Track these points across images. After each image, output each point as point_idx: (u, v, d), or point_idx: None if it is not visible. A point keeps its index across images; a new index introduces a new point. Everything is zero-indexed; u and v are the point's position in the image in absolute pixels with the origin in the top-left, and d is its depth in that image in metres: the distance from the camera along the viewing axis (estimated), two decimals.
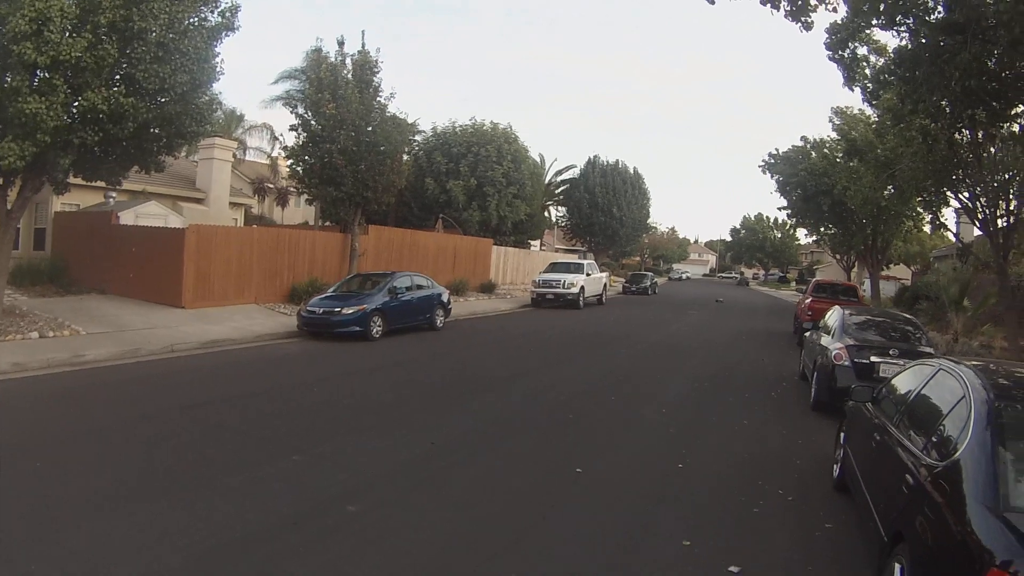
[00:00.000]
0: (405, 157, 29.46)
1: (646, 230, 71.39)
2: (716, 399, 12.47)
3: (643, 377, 14.47)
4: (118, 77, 14.36)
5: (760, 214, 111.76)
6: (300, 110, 24.07)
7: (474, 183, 35.54)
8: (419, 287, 20.46)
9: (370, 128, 23.73)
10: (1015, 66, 13.28)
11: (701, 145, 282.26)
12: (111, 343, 14.18)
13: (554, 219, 64.36)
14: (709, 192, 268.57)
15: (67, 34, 12.94)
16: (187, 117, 15.61)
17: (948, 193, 20.11)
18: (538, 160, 50.69)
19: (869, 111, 26.64)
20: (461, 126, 38.28)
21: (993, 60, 13.29)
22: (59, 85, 12.86)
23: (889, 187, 24.15)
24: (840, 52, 15.54)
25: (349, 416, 9.96)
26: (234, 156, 34.98)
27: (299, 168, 24.69)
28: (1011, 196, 17.66)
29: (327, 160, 23.18)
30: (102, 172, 16.29)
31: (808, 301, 24.27)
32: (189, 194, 28.77)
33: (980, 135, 17.12)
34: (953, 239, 25.27)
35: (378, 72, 24.14)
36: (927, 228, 37.92)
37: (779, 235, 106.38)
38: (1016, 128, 16.31)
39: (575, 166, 59.30)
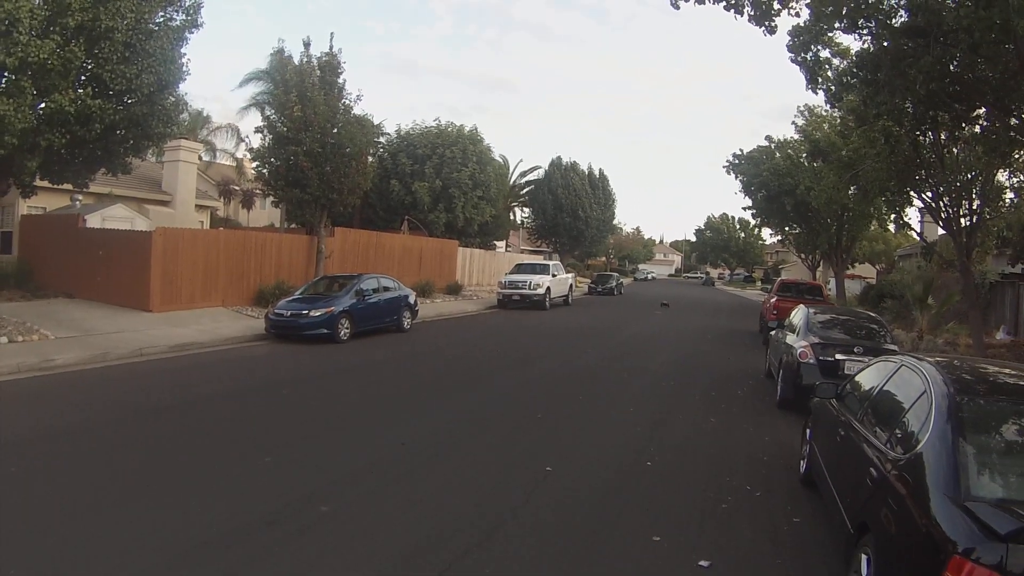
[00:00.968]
0: (370, 159, 29.34)
1: (611, 231, 71.80)
2: (683, 398, 12.59)
3: (610, 377, 14.55)
4: (85, 79, 14.23)
5: (725, 214, 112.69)
6: (268, 112, 23.96)
7: (439, 185, 35.42)
8: (386, 289, 20.40)
9: (335, 130, 23.67)
10: (976, 69, 13.53)
11: (667, 145, 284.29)
12: (80, 347, 13.99)
13: (519, 220, 64.42)
14: (674, 193, 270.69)
15: (35, 36, 12.78)
16: (154, 118, 15.50)
17: (911, 193, 20.40)
18: (502, 161, 50.69)
19: (833, 111, 26.92)
20: (426, 127, 38.17)
21: (955, 64, 13.52)
22: (26, 87, 12.69)
23: (853, 187, 24.44)
24: (803, 55, 15.68)
25: (319, 418, 9.93)
26: (200, 158, 34.65)
27: (265, 170, 24.53)
28: (973, 196, 17.98)
29: (292, 162, 23.06)
30: (69, 174, 16.13)
31: (773, 300, 24.55)
32: (155, 196, 28.40)
33: (943, 136, 17.40)
34: (917, 238, 25.64)
35: (342, 73, 24.10)
36: (891, 227, 38.44)
37: (744, 235, 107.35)
38: (978, 129, 16.59)
39: (540, 167, 59.58)
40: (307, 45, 23.75)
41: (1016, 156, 16.88)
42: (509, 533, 5.93)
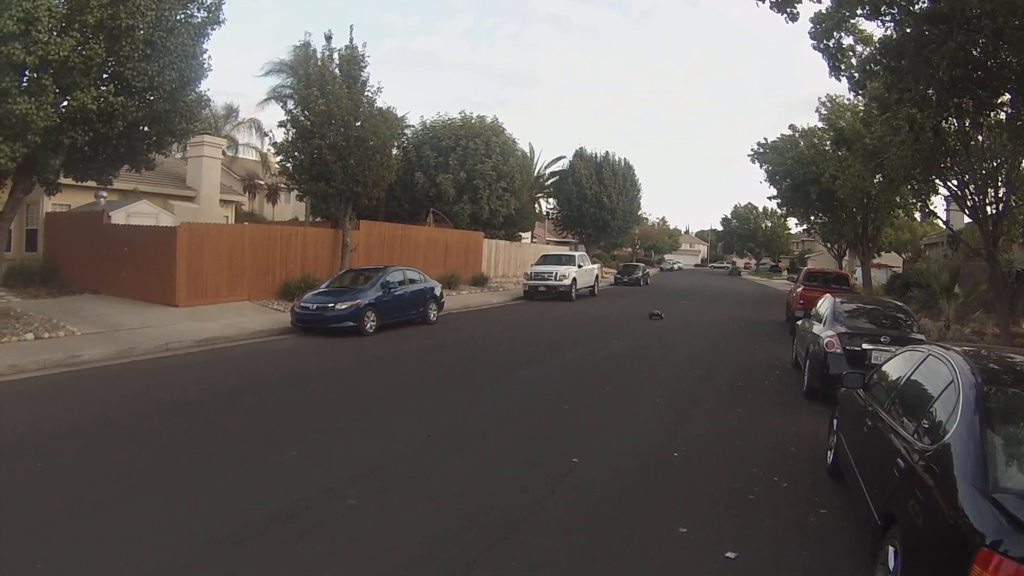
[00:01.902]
0: (394, 152, 29.44)
1: (637, 221, 71.48)
2: (708, 388, 12.57)
3: (637, 367, 14.55)
4: (106, 76, 14.35)
5: (751, 204, 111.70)
6: (290, 105, 24.09)
7: (464, 176, 35.50)
8: (411, 281, 20.46)
9: (359, 123, 23.73)
10: (999, 55, 13.36)
11: (692, 135, 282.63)
12: (106, 343, 14.17)
13: (544, 211, 64.41)
14: (700, 182, 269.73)
15: (55, 34, 12.91)
16: (176, 115, 15.60)
17: (937, 181, 20.17)
18: (527, 152, 50.65)
19: (856, 100, 26.64)
20: (449, 119, 38.20)
21: (978, 50, 13.35)
22: (48, 85, 12.84)
23: (878, 176, 24.19)
24: (825, 42, 15.56)
25: (345, 411, 10.02)
26: (224, 153, 34.87)
27: (289, 164, 24.71)
28: (999, 184, 17.72)
29: (316, 156, 23.18)
30: (92, 172, 16.28)
31: (800, 290, 24.40)
32: (180, 192, 28.66)
33: (967, 123, 17.18)
34: (943, 227, 25.35)
35: (365, 67, 24.16)
36: (917, 216, 38.00)
37: (770, 224, 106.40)
38: (1003, 116, 16.38)
39: (564, 157, 59.42)
40: (328, 39, 23.83)
41: None
42: (535, 525, 5.97)
